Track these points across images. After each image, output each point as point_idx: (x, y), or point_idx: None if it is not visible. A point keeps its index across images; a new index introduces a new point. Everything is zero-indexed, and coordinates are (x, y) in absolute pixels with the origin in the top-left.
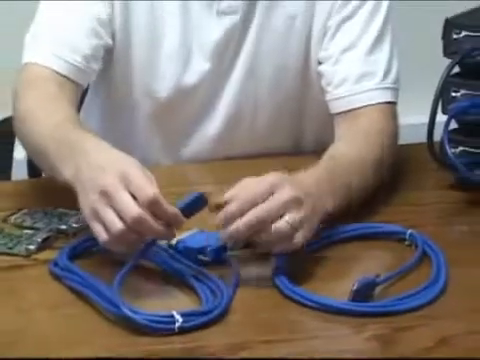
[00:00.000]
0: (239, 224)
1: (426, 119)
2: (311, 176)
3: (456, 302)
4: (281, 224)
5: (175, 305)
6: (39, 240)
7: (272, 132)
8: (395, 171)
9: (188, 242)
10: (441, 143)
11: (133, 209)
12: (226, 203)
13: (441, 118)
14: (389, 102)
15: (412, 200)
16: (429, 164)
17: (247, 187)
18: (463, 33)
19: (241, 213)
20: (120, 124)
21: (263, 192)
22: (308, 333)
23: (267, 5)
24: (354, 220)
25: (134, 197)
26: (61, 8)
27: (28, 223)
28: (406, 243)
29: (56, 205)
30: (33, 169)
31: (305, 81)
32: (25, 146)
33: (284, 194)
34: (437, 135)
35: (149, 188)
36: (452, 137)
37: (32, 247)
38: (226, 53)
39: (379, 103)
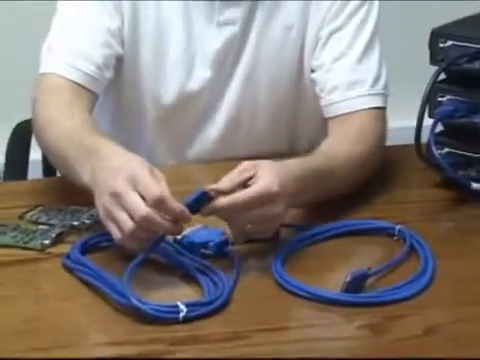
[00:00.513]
0: (221, 201)
1: (414, 122)
2: (305, 170)
3: (442, 293)
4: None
5: (180, 296)
6: (53, 235)
7: (269, 135)
8: (385, 171)
9: (192, 237)
10: (428, 145)
11: (141, 208)
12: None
13: (428, 121)
14: (378, 107)
15: (401, 198)
16: (417, 164)
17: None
18: (449, 42)
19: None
20: (129, 128)
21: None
22: (304, 322)
23: (265, 17)
24: (346, 217)
25: (143, 197)
26: (74, 21)
27: (43, 219)
28: (395, 238)
29: (69, 203)
30: (48, 169)
31: (299, 88)
32: (45, 151)
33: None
34: (424, 137)
35: (155, 188)
36: (438, 139)
37: (47, 242)
38: (226, 61)
39: (369, 108)
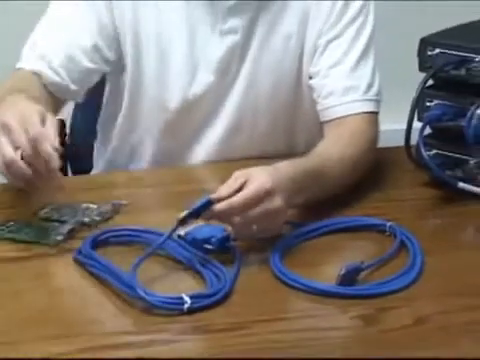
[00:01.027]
0: (218, 205)
1: (404, 125)
2: (299, 170)
3: (431, 286)
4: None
5: (184, 288)
6: (65, 231)
7: (269, 138)
8: (377, 171)
9: (195, 233)
10: (417, 146)
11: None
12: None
13: (417, 125)
14: (371, 112)
15: (392, 196)
16: (407, 165)
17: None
18: (437, 50)
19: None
20: (134, 133)
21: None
22: (300, 313)
23: (266, 26)
24: (340, 214)
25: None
26: (49, 30)
27: (55, 216)
28: (386, 234)
29: (80, 200)
30: (61, 169)
31: (298, 94)
32: None
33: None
34: (413, 139)
35: (36, 126)
36: (427, 141)
37: (59, 238)
38: (229, 68)
39: (362, 112)
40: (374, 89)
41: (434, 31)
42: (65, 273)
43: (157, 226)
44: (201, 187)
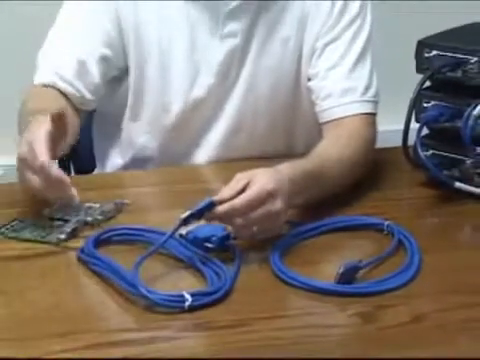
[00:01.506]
0: (220, 207)
1: (402, 126)
2: (299, 171)
3: (428, 284)
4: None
5: (185, 286)
6: (68, 230)
7: (269, 139)
8: (375, 171)
9: (196, 232)
10: (414, 147)
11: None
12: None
13: (414, 125)
14: (368, 113)
15: (389, 196)
16: (404, 165)
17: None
18: (433, 52)
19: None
20: (140, 134)
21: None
22: (300, 310)
23: (265, 30)
24: (339, 213)
25: None
26: (61, 41)
27: (59, 215)
28: (384, 233)
29: (83, 200)
30: (64, 170)
31: (297, 96)
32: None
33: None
34: (411, 140)
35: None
36: (424, 141)
37: (62, 236)
38: (229, 71)
39: (360, 113)
40: (372, 90)
41: (431, 33)
42: (68, 271)
43: (159, 225)
44: (203, 187)
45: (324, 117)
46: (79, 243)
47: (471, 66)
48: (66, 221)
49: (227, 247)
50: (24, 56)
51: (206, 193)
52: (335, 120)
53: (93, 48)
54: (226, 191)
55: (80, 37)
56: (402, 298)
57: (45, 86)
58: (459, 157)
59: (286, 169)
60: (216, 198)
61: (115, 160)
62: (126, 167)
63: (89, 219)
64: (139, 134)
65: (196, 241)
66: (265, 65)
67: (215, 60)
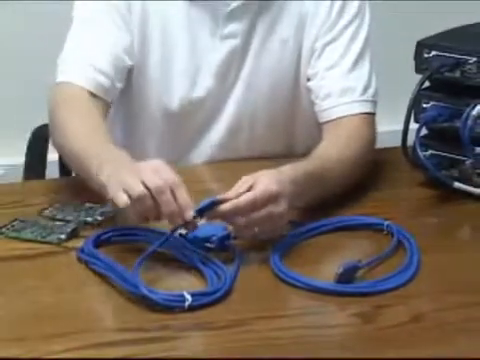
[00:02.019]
0: (224, 206)
1: (401, 127)
2: (300, 173)
3: (427, 284)
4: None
5: (185, 286)
6: (69, 230)
7: (268, 139)
8: (374, 171)
9: (197, 232)
10: (414, 147)
11: (157, 180)
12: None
13: (413, 126)
14: (368, 112)
15: (389, 196)
16: (403, 165)
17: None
18: (432, 53)
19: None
20: (138, 133)
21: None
22: (299, 310)
23: (264, 31)
24: (339, 213)
25: None
26: (88, 35)
27: (59, 216)
28: (384, 233)
29: (83, 200)
30: (64, 169)
31: (296, 96)
32: (61, 151)
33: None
34: (410, 140)
35: (173, 175)
36: (423, 142)
37: (63, 236)
38: (228, 72)
39: (359, 113)
40: (371, 90)
41: (430, 34)
42: (69, 271)
43: (159, 225)
44: (202, 187)
45: (324, 117)
46: (79, 243)
47: (470, 66)
48: (67, 221)
49: (227, 247)
50: (26, 58)
51: (205, 193)
52: (335, 120)
53: (121, 37)
54: (232, 192)
55: (107, 30)
56: (401, 298)
57: (73, 86)
58: (458, 157)
59: (288, 170)
60: (220, 197)
61: None
62: None
63: (89, 219)
64: (139, 133)
65: (196, 241)
66: (264, 65)
67: (215, 60)
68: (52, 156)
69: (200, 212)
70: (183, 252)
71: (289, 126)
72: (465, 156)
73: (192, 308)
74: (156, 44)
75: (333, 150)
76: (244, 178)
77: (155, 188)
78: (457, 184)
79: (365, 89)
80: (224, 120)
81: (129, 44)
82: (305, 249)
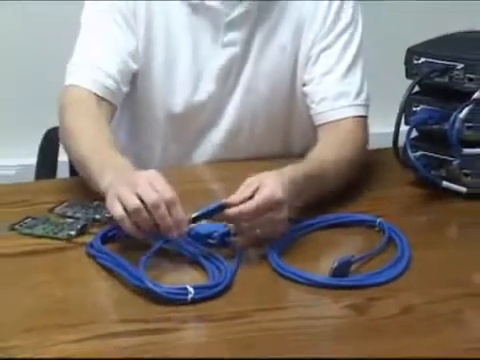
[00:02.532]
0: (230, 210)
1: (392, 129)
2: (299, 174)
3: (417, 278)
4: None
5: (188, 280)
6: (78, 227)
7: (267, 141)
8: (367, 171)
9: (199, 229)
10: (404, 148)
11: (153, 195)
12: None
13: (404, 128)
14: (361, 116)
15: (381, 194)
16: (395, 165)
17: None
18: (422, 59)
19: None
20: (142, 136)
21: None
22: (296, 302)
23: (263, 38)
24: (333, 211)
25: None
26: (96, 40)
27: (69, 213)
28: (376, 229)
29: (92, 199)
30: (74, 170)
31: (293, 99)
32: (69, 155)
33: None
34: (401, 142)
35: (170, 191)
36: (413, 143)
37: (72, 233)
38: (229, 77)
39: (353, 116)
40: (363, 95)
41: (420, 41)
42: (78, 266)
43: None
44: (203, 187)
45: (319, 120)
46: (88, 239)
47: (457, 72)
48: (76, 218)
49: (228, 243)
50: (41, 60)
51: (206, 192)
52: (330, 123)
53: (127, 42)
54: (236, 196)
55: (113, 36)
56: (392, 291)
57: (81, 89)
58: (446, 158)
59: (289, 171)
60: (226, 201)
61: None
62: None
63: (97, 217)
64: (144, 135)
65: (198, 237)
66: (263, 71)
67: (216, 66)
68: (63, 157)
69: (207, 214)
70: (186, 248)
71: (286, 128)
72: (453, 157)
73: (195, 301)
74: (160, 49)
75: (329, 152)
76: (249, 180)
77: (151, 203)
78: (445, 183)
79: (358, 94)
80: (225, 122)
81: (134, 49)
82: (302, 245)
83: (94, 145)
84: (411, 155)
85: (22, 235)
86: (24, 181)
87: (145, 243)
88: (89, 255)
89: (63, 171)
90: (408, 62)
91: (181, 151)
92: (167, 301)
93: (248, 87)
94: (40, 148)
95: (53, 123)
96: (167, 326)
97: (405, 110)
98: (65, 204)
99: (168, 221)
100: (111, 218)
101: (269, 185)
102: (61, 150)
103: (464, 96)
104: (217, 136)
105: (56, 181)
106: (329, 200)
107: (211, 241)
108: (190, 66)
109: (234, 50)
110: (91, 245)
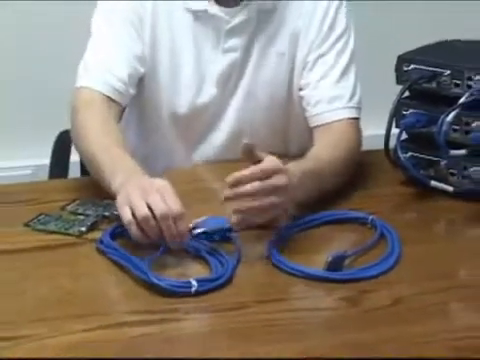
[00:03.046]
0: (240, 190)
1: (383, 131)
2: (298, 170)
3: (407, 271)
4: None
5: (191, 273)
6: (88, 224)
7: (266, 143)
8: (360, 171)
9: (202, 225)
10: (395, 149)
11: (163, 206)
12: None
13: (395, 131)
14: (354, 117)
15: (373, 193)
16: (386, 166)
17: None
18: (412, 66)
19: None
20: (150, 136)
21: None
22: (293, 295)
23: (262, 45)
24: (328, 209)
25: None
26: (106, 44)
27: (80, 211)
28: (368, 226)
29: (102, 197)
30: (85, 170)
31: (290, 103)
32: (81, 155)
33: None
34: (392, 143)
35: (179, 204)
36: (403, 145)
37: (83, 229)
38: (229, 81)
39: (347, 118)
40: (356, 98)
41: (409, 49)
42: (88, 260)
43: None
44: (203, 186)
45: (315, 122)
46: (98, 235)
47: (444, 78)
48: (87, 216)
49: (229, 239)
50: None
51: (205, 191)
52: (325, 124)
53: (134, 46)
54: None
55: (122, 40)
56: (383, 284)
57: (92, 90)
58: (434, 158)
59: (291, 167)
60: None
61: None
62: None
63: (107, 214)
64: (150, 134)
65: (202, 233)
66: (262, 77)
67: (217, 71)
68: (74, 158)
69: (209, 233)
70: (190, 243)
71: (285, 130)
72: (440, 158)
73: (198, 293)
74: (165, 54)
75: (324, 152)
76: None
77: (160, 214)
78: (433, 183)
79: (351, 97)
80: (226, 124)
81: (141, 53)
82: (298, 240)
83: (104, 145)
84: (401, 156)
85: (36, 231)
86: (39, 180)
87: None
88: (98, 250)
89: (75, 171)
90: (398, 69)
91: (185, 152)
92: (172, 293)
93: (248, 91)
94: (53, 150)
95: (65, 126)
96: (172, 317)
97: (396, 114)
98: (76, 202)
99: (173, 232)
100: (119, 216)
101: (269, 157)
102: (73, 151)
103: (451, 101)
104: (218, 138)
105: (68, 181)
106: (325, 198)
107: (214, 237)
108: (193, 70)
109: (234, 56)
110: (100, 241)
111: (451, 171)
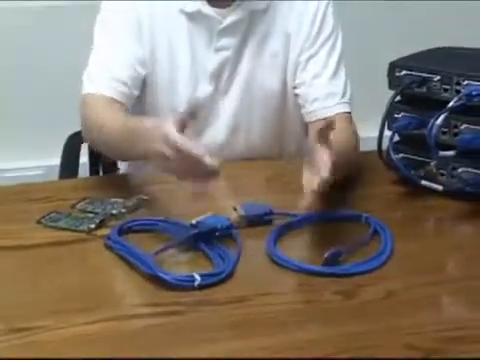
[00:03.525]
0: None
1: (376, 134)
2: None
3: (399, 266)
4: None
5: (195, 268)
6: (97, 221)
7: (263, 140)
8: (354, 171)
9: (204, 222)
10: (387, 151)
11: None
12: None
13: (387, 133)
14: (347, 112)
15: (367, 192)
16: (379, 166)
17: None
18: (403, 72)
19: None
20: None
21: None
22: (291, 288)
23: (255, 45)
24: (325, 208)
25: None
26: (108, 50)
27: (89, 209)
28: (362, 224)
29: (109, 196)
30: (94, 170)
31: (284, 101)
32: (100, 146)
33: None
34: (384, 145)
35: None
36: (395, 146)
37: (92, 226)
38: (221, 79)
39: (342, 113)
40: (348, 94)
41: (401, 56)
42: (97, 256)
43: (172, 216)
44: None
45: (312, 117)
46: (106, 232)
47: (434, 83)
48: (95, 213)
49: (230, 235)
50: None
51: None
52: (323, 119)
53: (136, 50)
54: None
55: (124, 44)
56: (377, 278)
57: (98, 95)
58: (425, 159)
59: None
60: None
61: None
62: (137, 165)
63: (114, 212)
64: None
65: (204, 230)
66: (257, 76)
67: (210, 69)
68: (84, 159)
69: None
70: (193, 240)
71: (280, 127)
72: (430, 158)
73: (201, 287)
74: (163, 55)
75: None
76: None
77: (196, 153)
78: (424, 182)
79: (344, 93)
80: (222, 123)
81: (142, 56)
82: (296, 237)
83: (122, 119)
84: (393, 157)
85: (47, 228)
86: (50, 180)
87: (157, 235)
88: (107, 246)
89: (84, 171)
90: (390, 74)
91: None
92: (176, 287)
93: (243, 90)
94: (63, 151)
95: (74, 129)
96: (176, 309)
97: (388, 117)
98: (86, 201)
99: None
100: (127, 213)
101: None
102: (82, 152)
103: (440, 105)
104: (215, 135)
105: (77, 180)
106: (321, 198)
107: (215, 233)
108: (190, 69)
109: (226, 54)
110: (109, 237)
111: (441, 171)
